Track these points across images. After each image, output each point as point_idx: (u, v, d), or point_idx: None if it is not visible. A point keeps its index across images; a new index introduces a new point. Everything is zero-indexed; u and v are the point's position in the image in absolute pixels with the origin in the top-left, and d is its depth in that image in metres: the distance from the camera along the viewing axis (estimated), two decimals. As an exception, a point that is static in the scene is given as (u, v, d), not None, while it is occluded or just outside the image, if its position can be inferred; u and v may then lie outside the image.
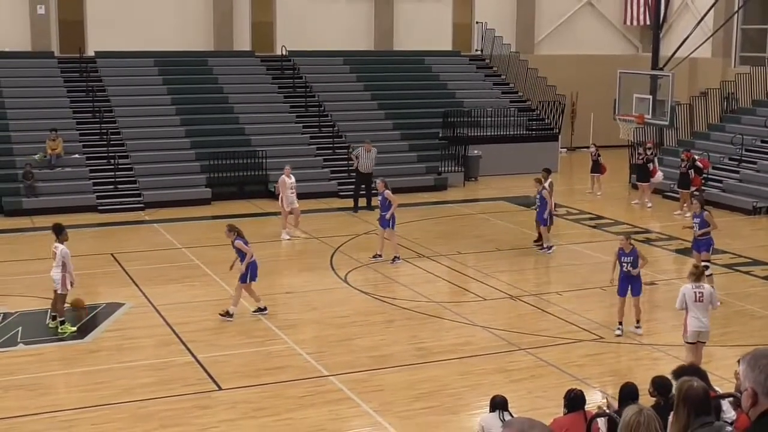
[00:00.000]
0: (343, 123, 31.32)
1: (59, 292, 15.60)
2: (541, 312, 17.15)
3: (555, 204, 22.04)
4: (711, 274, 17.37)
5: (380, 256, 20.55)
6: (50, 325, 15.80)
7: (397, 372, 14.06)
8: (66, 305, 15.87)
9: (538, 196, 21.50)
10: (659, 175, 27.63)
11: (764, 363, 3.88)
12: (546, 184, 21.81)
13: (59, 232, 15.94)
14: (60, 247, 15.66)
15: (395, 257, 20.45)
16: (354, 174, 26.71)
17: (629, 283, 15.75)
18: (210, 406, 12.75)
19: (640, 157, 27.27)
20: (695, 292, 13.35)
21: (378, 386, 13.46)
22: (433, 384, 13.53)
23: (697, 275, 13.63)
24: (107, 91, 30.18)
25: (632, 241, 16.05)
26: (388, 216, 20.31)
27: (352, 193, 26.42)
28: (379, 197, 20.76)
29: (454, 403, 12.96)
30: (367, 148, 26.39)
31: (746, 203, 26.41)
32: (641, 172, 27.46)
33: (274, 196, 27.32)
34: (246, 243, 16.47)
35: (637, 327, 15.88)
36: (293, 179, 23.04)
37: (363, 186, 26.09)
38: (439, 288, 18.98)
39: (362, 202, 26.08)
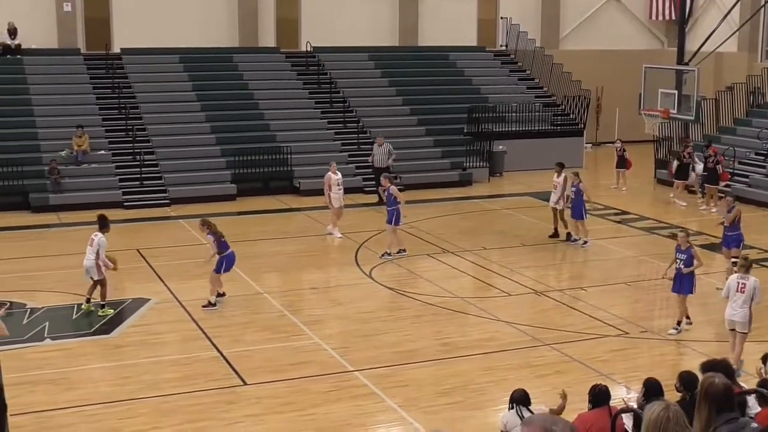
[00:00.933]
0: (368, 119, 31.31)
1: (95, 278, 16.26)
2: (565, 307, 17.08)
3: (567, 198, 22.01)
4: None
5: (404, 250, 20.54)
6: (83, 307, 16.47)
7: (421, 367, 14.05)
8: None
9: (573, 189, 21.45)
10: (693, 174, 27.33)
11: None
12: (561, 179, 21.80)
13: (103, 224, 16.64)
14: (99, 236, 16.36)
15: (386, 252, 20.44)
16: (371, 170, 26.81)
17: (680, 281, 15.60)
18: (235, 401, 12.78)
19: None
20: (738, 283, 13.63)
21: (402, 381, 13.46)
22: (458, 379, 13.51)
23: (746, 267, 13.83)
24: (133, 87, 30.33)
25: (689, 240, 16.04)
26: (396, 212, 20.34)
27: (375, 189, 26.39)
28: (386, 193, 20.75)
29: (479, 398, 12.93)
30: (379, 143, 26.35)
31: (772, 199, 26.19)
32: (682, 171, 26.92)
33: (299, 191, 27.46)
34: (219, 239, 16.77)
35: (688, 321, 15.78)
36: (340, 175, 22.89)
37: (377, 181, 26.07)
38: (463, 283, 18.95)
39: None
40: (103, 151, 27.54)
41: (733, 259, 17.29)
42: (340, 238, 22.43)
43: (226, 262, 16.81)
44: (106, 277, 16.50)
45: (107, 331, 15.71)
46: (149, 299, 17.38)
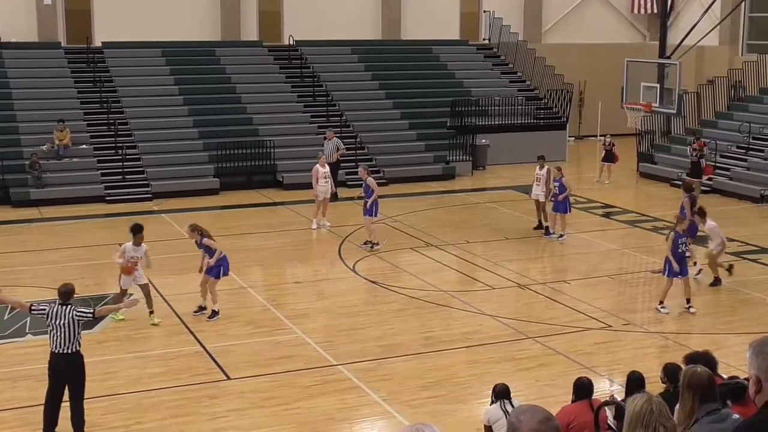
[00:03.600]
0: (351, 113, 31.29)
1: (139, 283, 15.72)
2: (549, 300, 17.13)
3: (550, 192, 22.09)
4: (694, 261, 18.32)
5: (377, 243, 20.60)
6: (154, 322, 15.62)
7: (405, 361, 14.06)
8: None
9: (556, 184, 21.50)
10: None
11: (768, 350, 3.87)
12: (543, 171, 21.89)
13: (137, 232, 16.02)
14: (127, 245, 15.88)
15: (367, 242, 20.52)
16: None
17: (680, 265, 16.27)
18: (218, 396, 12.77)
19: (695, 154, 26.56)
20: None
21: (386, 375, 13.47)
22: (442, 373, 13.53)
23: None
24: (115, 81, 30.19)
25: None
26: (369, 203, 20.36)
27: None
28: (363, 184, 20.77)
29: (462, 391, 12.96)
30: (328, 137, 26.17)
31: (754, 191, 26.31)
32: (694, 169, 26.59)
33: (282, 185, 27.42)
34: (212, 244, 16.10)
35: (688, 306, 16.40)
36: (327, 168, 22.92)
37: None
38: (447, 277, 18.97)
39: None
40: (84, 146, 27.41)
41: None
42: (329, 227, 22.53)
43: (224, 266, 16.09)
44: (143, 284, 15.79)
45: (89, 326, 15.61)
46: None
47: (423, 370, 13.64)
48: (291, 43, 33.41)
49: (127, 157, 27.15)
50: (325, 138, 26.53)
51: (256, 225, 23.04)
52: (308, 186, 23.36)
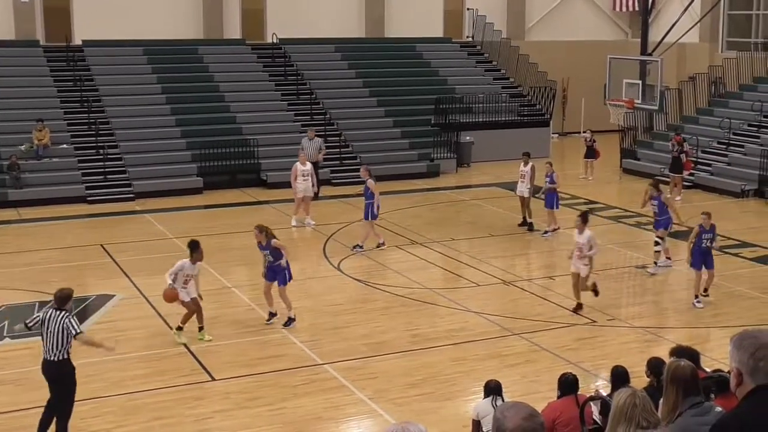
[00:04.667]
0: (334, 110, 31.28)
1: (185, 300, 14.71)
2: (534, 297, 17.18)
3: (544, 189, 22.22)
4: (659, 251, 18.83)
5: (383, 243, 20.50)
6: (204, 339, 14.78)
7: (391, 359, 14.08)
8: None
9: (547, 179, 21.66)
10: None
11: (748, 343, 3.91)
12: (528, 168, 22.01)
13: (193, 249, 14.85)
14: (184, 261, 14.75)
15: (357, 245, 20.37)
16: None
17: (704, 257, 16.62)
18: (203, 397, 12.74)
19: (676, 149, 26.74)
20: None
21: (372, 374, 13.48)
22: (428, 370, 13.56)
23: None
24: (95, 80, 30.05)
25: (712, 219, 16.90)
26: (375, 207, 20.27)
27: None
28: (363, 186, 20.71)
29: (449, 389, 12.98)
30: (310, 136, 26.07)
31: (734, 186, 26.50)
32: (674, 165, 26.70)
33: (266, 184, 27.39)
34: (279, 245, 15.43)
35: (705, 295, 16.74)
36: (308, 166, 22.90)
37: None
38: (432, 274, 19.00)
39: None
40: (65, 145, 27.27)
41: (656, 238, 18.99)
42: (313, 225, 22.61)
43: (288, 270, 15.39)
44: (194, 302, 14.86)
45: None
46: (114, 295, 17.26)
47: (409, 368, 13.66)
48: (274, 41, 33.36)
49: (109, 156, 27.03)
50: (306, 136, 26.39)
51: (240, 224, 22.97)
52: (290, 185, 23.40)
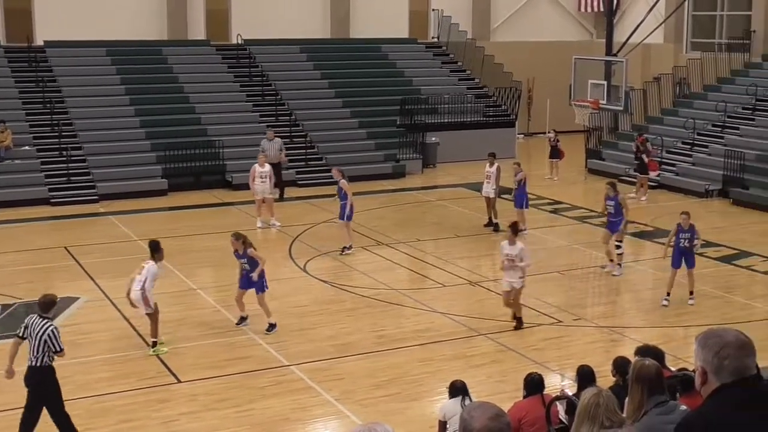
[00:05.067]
0: (300, 111, 31.21)
1: (146, 312, 14.22)
2: (500, 297, 17.21)
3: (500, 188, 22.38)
4: (622, 253, 18.85)
5: (350, 248, 20.41)
6: (150, 353, 14.25)
7: (358, 360, 14.08)
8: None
9: (516, 179, 21.74)
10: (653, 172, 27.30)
11: (713, 342, 3.94)
12: (494, 168, 22.09)
13: (155, 249, 14.47)
14: (150, 263, 14.21)
15: (344, 247, 20.36)
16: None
17: (684, 257, 16.68)
18: (170, 399, 12.67)
19: (638, 151, 26.71)
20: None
21: (339, 375, 13.48)
22: (394, 371, 13.57)
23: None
24: (58, 81, 29.78)
25: (690, 219, 16.99)
26: (348, 208, 20.21)
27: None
28: (336, 187, 20.66)
29: (415, 389, 13.01)
30: (269, 137, 25.87)
31: (699, 186, 26.74)
32: (640, 165, 26.84)
33: (231, 185, 27.28)
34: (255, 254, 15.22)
35: (691, 298, 16.77)
36: (266, 168, 22.75)
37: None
38: (398, 275, 19.01)
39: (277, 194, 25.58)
40: (27, 147, 26.99)
41: (617, 243, 18.72)
42: (278, 227, 22.54)
43: (264, 278, 15.26)
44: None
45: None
46: (78, 298, 17.10)
47: (376, 369, 13.67)
48: (239, 42, 33.24)
49: (72, 158, 26.77)
50: (265, 138, 26.13)
51: (206, 226, 22.89)
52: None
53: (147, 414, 12.15)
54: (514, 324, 15.43)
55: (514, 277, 15.20)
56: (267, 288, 15.31)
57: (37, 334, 10.77)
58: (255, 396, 12.69)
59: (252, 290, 15.26)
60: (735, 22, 35.00)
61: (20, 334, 11.08)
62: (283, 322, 15.81)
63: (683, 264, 16.70)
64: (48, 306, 11.04)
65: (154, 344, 14.31)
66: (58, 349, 10.80)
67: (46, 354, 10.81)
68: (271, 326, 15.23)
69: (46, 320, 10.87)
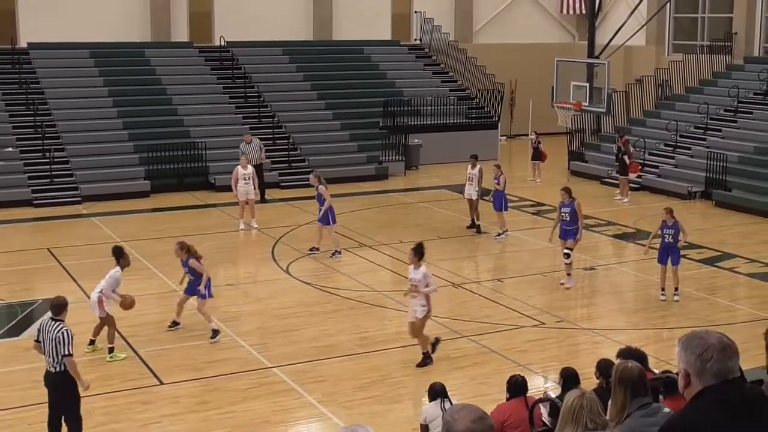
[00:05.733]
0: (282, 113, 31.14)
1: (99, 316, 14.16)
2: (483, 299, 17.22)
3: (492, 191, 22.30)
4: (571, 263, 17.90)
5: (317, 249, 20.30)
6: (87, 349, 14.19)
7: (340, 362, 14.02)
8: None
9: (496, 181, 21.67)
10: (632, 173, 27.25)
11: (695, 344, 3.92)
12: (476, 170, 22.06)
13: (120, 255, 14.43)
14: (114, 270, 14.22)
15: (335, 251, 20.22)
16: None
17: (669, 253, 16.75)
18: (152, 401, 12.59)
19: (623, 149, 26.69)
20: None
21: (321, 377, 13.42)
22: (377, 373, 13.52)
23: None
24: (41, 83, 29.62)
25: (675, 215, 17.02)
26: (323, 212, 20.07)
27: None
28: (316, 192, 20.47)
29: (397, 391, 12.97)
30: (247, 140, 25.60)
31: (682, 188, 26.80)
32: (621, 166, 26.81)
33: (214, 187, 27.17)
34: (199, 261, 15.01)
35: (676, 294, 16.89)
36: (249, 170, 22.69)
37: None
38: (381, 277, 18.97)
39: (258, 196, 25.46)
40: (10, 149, 26.82)
41: (566, 251, 17.78)
42: (256, 229, 22.39)
43: (209, 287, 14.99)
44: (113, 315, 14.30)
45: (16, 333, 15.31)
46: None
47: (358, 371, 13.62)
48: (222, 44, 33.13)
49: (55, 159, 26.61)
50: (243, 141, 25.89)
51: (188, 227, 22.77)
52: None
53: (129, 416, 12.07)
54: (420, 359, 13.78)
55: (417, 305, 13.72)
56: (211, 296, 15.08)
57: (49, 337, 10.62)
58: (237, 398, 12.62)
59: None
60: (716, 25, 35.12)
61: (37, 338, 10.97)
62: (266, 324, 15.76)
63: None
64: (59, 308, 10.88)
65: (111, 350, 14.11)
66: (66, 352, 10.55)
67: (61, 357, 10.61)
68: (215, 332, 14.89)
69: (58, 323, 10.73)
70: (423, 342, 13.81)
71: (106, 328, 14.23)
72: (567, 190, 18.28)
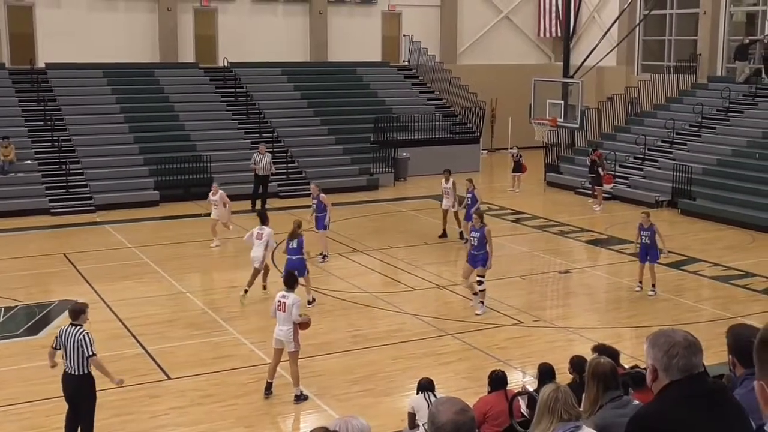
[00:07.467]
0: (281, 129, 31.13)
1: (258, 266, 17.01)
2: (466, 300, 17.18)
3: (462, 201, 22.16)
4: (484, 290, 16.24)
5: (327, 255, 20.20)
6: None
7: (334, 358, 14.00)
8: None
9: (469, 195, 21.55)
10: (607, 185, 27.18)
11: (662, 341, 3.92)
12: (450, 184, 21.95)
13: (264, 218, 17.51)
14: (267, 230, 17.18)
15: (322, 255, 20.12)
16: (253, 177, 26.04)
17: (647, 252, 17.20)
18: (160, 395, 12.54)
19: (597, 162, 26.72)
20: (278, 301, 12.23)
21: (317, 372, 13.38)
22: (368, 368, 13.50)
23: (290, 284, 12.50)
24: (58, 100, 29.55)
25: (651, 218, 17.51)
26: (326, 220, 20.03)
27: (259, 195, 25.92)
28: (314, 201, 20.39)
29: (388, 385, 12.94)
30: (261, 151, 25.80)
31: (650, 197, 26.82)
32: (595, 178, 26.89)
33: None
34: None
35: (652, 289, 17.24)
36: (217, 196, 21.59)
37: (261, 187, 25.85)
38: (372, 280, 18.94)
39: (259, 204, 25.36)
40: (29, 161, 26.75)
41: (478, 278, 16.09)
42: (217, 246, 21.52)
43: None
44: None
45: (34, 332, 15.24)
46: (75, 301, 16.86)
47: (351, 366, 13.59)
48: (225, 64, 33.11)
49: (71, 171, 26.53)
50: (257, 151, 26.08)
51: (194, 234, 22.72)
52: (241, 198, 23.18)
53: (138, 408, 12.02)
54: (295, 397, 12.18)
55: (286, 333, 12.07)
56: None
57: (71, 342, 10.40)
58: (238, 392, 12.58)
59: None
60: (682, 46, 35.22)
61: (54, 346, 10.72)
62: (266, 323, 15.63)
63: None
64: (77, 313, 10.66)
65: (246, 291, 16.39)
66: (90, 353, 10.37)
67: (83, 361, 10.39)
68: (311, 301, 16.57)
69: (77, 327, 10.52)
70: (295, 377, 12.23)
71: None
72: (479, 215, 16.53)
